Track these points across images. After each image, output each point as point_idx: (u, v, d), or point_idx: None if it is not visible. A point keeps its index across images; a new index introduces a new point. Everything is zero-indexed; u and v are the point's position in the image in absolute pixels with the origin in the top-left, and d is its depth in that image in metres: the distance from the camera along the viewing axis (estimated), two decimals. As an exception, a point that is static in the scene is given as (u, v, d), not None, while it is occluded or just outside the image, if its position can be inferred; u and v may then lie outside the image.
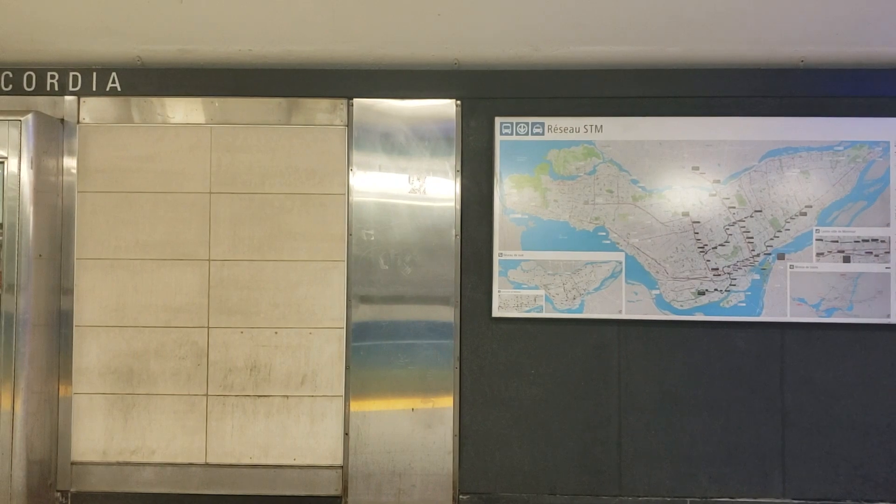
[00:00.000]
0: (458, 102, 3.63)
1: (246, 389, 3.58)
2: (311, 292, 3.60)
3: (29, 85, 3.62)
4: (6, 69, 3.61)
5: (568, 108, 3.61)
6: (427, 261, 3.59)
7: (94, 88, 3.62)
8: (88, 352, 3.60)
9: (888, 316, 3.48)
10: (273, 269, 3.61)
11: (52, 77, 3.63)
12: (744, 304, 3.53)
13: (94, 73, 3.62)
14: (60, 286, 3.61)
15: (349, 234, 3.60)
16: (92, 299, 3.61)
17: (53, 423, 3.58)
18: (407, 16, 3.38)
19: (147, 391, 3.59)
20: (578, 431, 3.57)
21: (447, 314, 3.56)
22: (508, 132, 3.62)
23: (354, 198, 3.61)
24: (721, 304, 3.54)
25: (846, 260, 3.51)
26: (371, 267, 3.59)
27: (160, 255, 3.61)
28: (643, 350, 3.57)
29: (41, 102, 3.61)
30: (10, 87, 3.61)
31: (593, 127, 3.60)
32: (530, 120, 3.62)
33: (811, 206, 3.52)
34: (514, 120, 3.62)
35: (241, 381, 3.58)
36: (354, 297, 3.58)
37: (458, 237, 3.60)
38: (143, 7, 3.38)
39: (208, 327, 3.59)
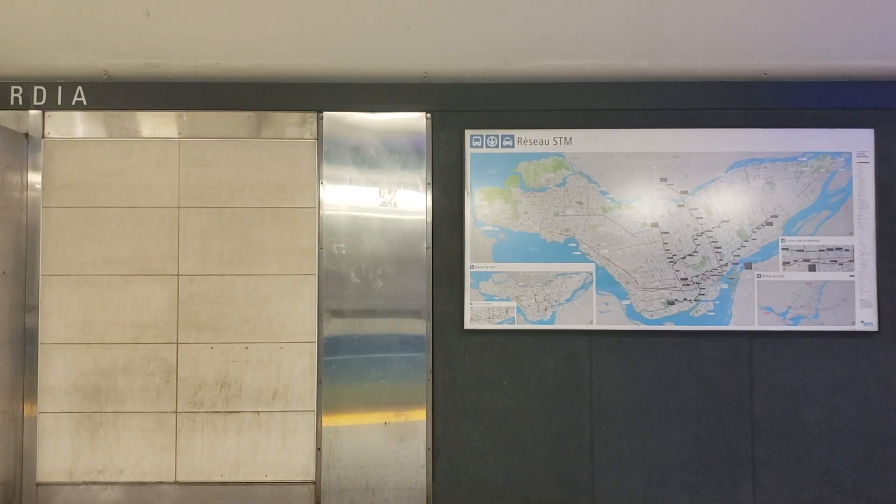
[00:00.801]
0: (429, 115, 3.64)
1: (216, 406, 3.54)
2: (282, 307, 3.57)
3: (-8, 100, 3.57)
4: (-32, 84, 3.56)
5: (537, 121, 3.64)
6: (399, 274, 3.58)
7: (59, 103, 3.57)
8: (54, 370, 3.54)
9: (853, 323, 3.54)
10: (243, 283, 3.58)
11: (16, 91, 3.58)
12: (712, 314, 3.57)
13: (60, 87, 3.58)
14: (25, 303, 3.54)
15: (320, 248, 3.59)
16: (58, 316, 3.55)
17: (18, 444, 3.50)
18: (376, 30, 3.39)
19: (115, 409, 3.53)
20: (551, 442, 3.57)
21: (419, 327, 3.56)
22: (479, 145, 3.64)
23: (325, 211, 3.60)
24: (690, 314, 3.57)
25: (811, 268, 3.56)
26: (342, 281, 3.58)
27: (128, 270, 3.57)
28: (614, 360, 3.59)
29: (5, 117, 3.56)
30: (-27, 102, 3.56)
31: (563, 139, 3.63)
32: (500, 132, 3.64)
33: (777, 216, 3.58)
34: (485, 133, 3.64)
35: (211, 397, 3.54)
36: (326, 311, 3.56)
37: (430, 250, 3.60)
38: (108, 21, 3.34)
39: (177, 343, 3.55)
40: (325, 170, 3.60)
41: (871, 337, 3.55)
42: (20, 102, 3.58)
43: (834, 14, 3.30)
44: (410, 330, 3.56)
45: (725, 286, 3.57)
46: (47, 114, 3.59)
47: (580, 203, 3.61)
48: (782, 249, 3.57)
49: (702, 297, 3.57)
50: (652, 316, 3.57)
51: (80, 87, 3.58)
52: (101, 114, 3.59)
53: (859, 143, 3.58)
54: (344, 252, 3.59)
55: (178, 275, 3.57)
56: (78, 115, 3.59)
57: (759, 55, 3.51)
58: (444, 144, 3.65)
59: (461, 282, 3.60)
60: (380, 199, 3.62)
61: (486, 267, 3.60)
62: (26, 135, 3.58)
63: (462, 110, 3.64)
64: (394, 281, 3.58)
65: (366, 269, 3.58)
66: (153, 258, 3.57)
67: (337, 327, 3.56)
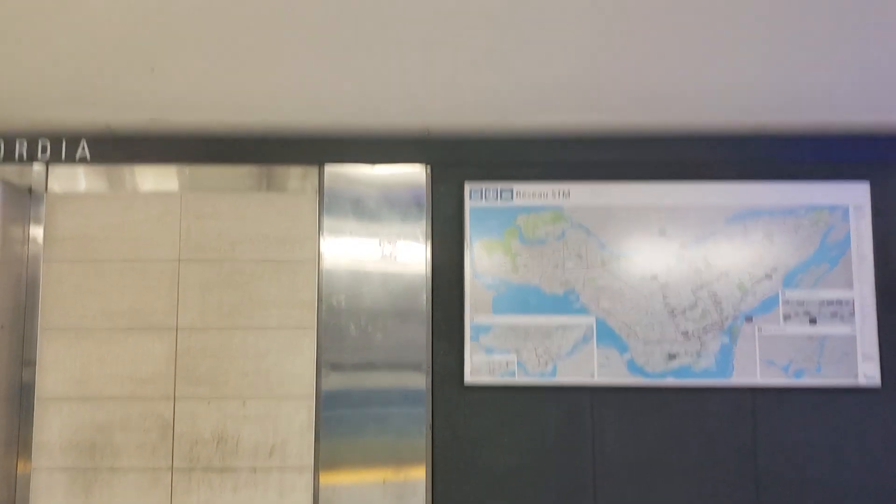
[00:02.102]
0: (429, 168, 3.68)
1: (213, 462, 3.49)
2: (281, 360, 3.55)
3: (-4, 154, 3.61)
4: (-26, 138, 3.61)
5: (536, 174, 3.67)
6: (398, 326, 3.57)
7: (62, 156, 3.61)
8: (50, 425, 3.50)
9: (856, 377, 3.51)
10: (242, 337, 3.57)
11: (21, 145, 3.62)
12: (714, 368, 3.54)
13: (64, 141, 3.62)
14: (23, 357, 3.53)
15: (319, 301, 3.58)
16: (55, 370, 3.53)
17: (10, 501, 3.44)
18: (377, 86, 3.43)
19: (110, 465, 3.48)
20: (553, 500, 3.51)
21: (419, 381, 3.53)
22: (478, 197, 3.67)
23: (325, 264, 3.60)
24: (692, 368, 3.55)
25: (812, 322, 3.55)
26: (342, 333, 3.56)
27: (127, 324, 3.56)
28: (617, 415, 3.55)
29: (8, 171, 3.59)
30: (-23, 156, 3.60)
31: (561, 192, 3.65)
32: (499, 185, 3.67)
33: (776, 269, 3.58)
34: (484, 185, 3.66)
35: (207, 453, 3.49)
36: (325, 364, 3.54)
37: (430, 302, 3.59)
38: (113, 76, 3.39)
39: (174, 398, 3.52)
40: (326, 222, 3.62)
41: (874, 391, 3.52)
42: (24, 156, 3.61)
43: (830, 69, 3.34)
44: (410, 384, 3.53)
45: (727, 340, 3.55)
46: (51, 167, 3.62)
47: (579, 256, 3.62)
48: (783, 303, 3.56)
49: (703, 351, 3.55)
50: (653, 370, 3.55)
51: (83, 141, 3.62)
52: (103, 167, 3.63)
53: (856, 196, 3.60)
54: (343, 304, 3.58)
55: (177, 328, 3.56)
56: (81, 169, 3.63)
57: (756, 110, 3.55)
58: (443, 197, 3.67)
59: (461, 335, 3.58)
60: (380, 250, 3.63)
61: (486, 320, 3.59)
62: (29, 188, 3.60)
63: (462, 163, 3.68)
64: (393, 334, 3.56)
65: (365, 322, 3.57)
66: (153, 311, 3.56)
67: (336, 381, 3.53)
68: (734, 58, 3.28)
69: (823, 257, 3.57)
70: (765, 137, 3.64)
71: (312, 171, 3.66)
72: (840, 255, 3.57)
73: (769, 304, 3.57)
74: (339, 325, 3.57)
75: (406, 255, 3.62)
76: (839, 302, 3.55)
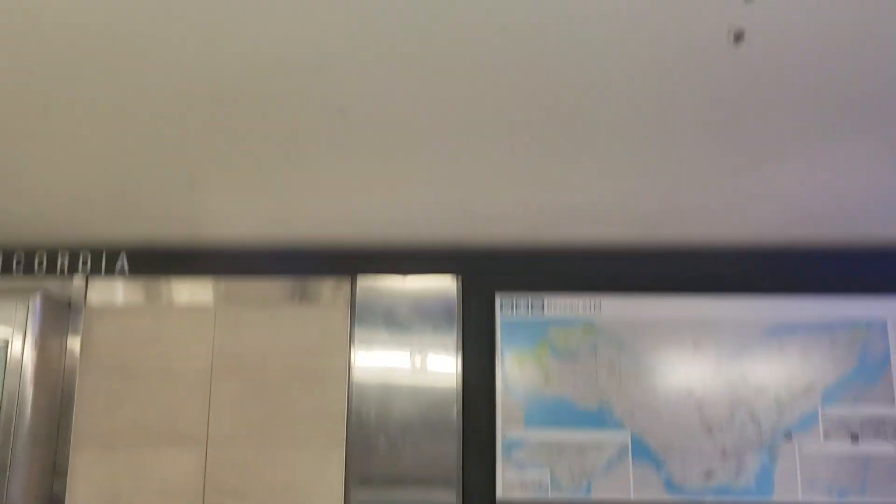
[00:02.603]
0: (460, 279, 3.70)
1: (239, 582, 3.43)
2: (310, 474, 3.51)
3: (39, 266, 3.70)
4: (18, 252, 3.70)
5: (567, 286, 3.67)
6: (428, 440, 3.53)
7: (102, 269, 3.70)
8: (78, 541, 3.48)
9: (903, 499, 3.39)
10: (272, 449, 3.54)
11: (63, 258, 3.72)
12: (754, 486, 3.44)
13: (104, 254, 3.72)
14: (54, 468, 3.53)
15: (349, 413, 3.56)
16: (86, 482, 3.52)
17: None
18: (409, 201, 3.49)
19: (136, 585, 3.43)
20: None
21: (449, 497, 3.46)
22: (509, 309, 3.67)
23: (356, 375, 3.60)
24: (731, 486, 3.45)
25: (854, 439, 3.45)
26: (371, 447, 3.53)
27: (158, 436, 3.56)
28: (653, 535, 3.44)
29: (50, 283, 3.68)
30: (21, 268, 3.69)
31: (592, 305, 3.65)
32: (530, 297, 3.67)
33: (814, 385, 3.51)
34: (515, 297, 3.67)
35: (234, 573, 3.43)
36: (354, 478, 3.49)
37: (460, 415, 3.56)
38: (154, 192, 3.49)
39: (203, 513, 3.49)
40: (357, 333, 3.64)
41: (923, 515, 3.38)
42: (66, 269, 3.71)
43: (860, 187, 3.35)
44: (440, 500, 3.46)
45: (766, 457, 3.46)
46: (90, 280, 3.70)
47: (612, 369, 3.58)
48: (822, 420, 3.48)
49: (742, 469, 3.46)
50: (692, 488, 3.45)
51: (123, 255, 3.71)
52: (141, 280, 3.70)
53: (894, 310, 3.55)
54: (373, 417, 3.56)
55: (207, 441, 3.55)
56: (119, 282, 3.71)
57: (787, 226, 3.54)
58: (474, 308, 3.68)
59: (492, 449, 3.52)
60: (410, 362, 3.62)
61: (519, 434, 3.54)
62: (69, 301, 3.68)
63: (492, 275, 3.70)
64: (423, 448, 3.52)
65: (395, 435, 3.54)
66: (183, 425, 3.57)
67: (364, 496, 3.47)
68: (763, 173, 3.30)
69: (863, 373, 3.50)
70: (798, 251, 3.63)
71: (345, 282, 3.70)
72: (880, 371, 3.50)
73: (808, 421, 3.48)
74: (369, 439, 3.53)
75: (437, 366, 3.61)
76: (882, 420, 3.45)
